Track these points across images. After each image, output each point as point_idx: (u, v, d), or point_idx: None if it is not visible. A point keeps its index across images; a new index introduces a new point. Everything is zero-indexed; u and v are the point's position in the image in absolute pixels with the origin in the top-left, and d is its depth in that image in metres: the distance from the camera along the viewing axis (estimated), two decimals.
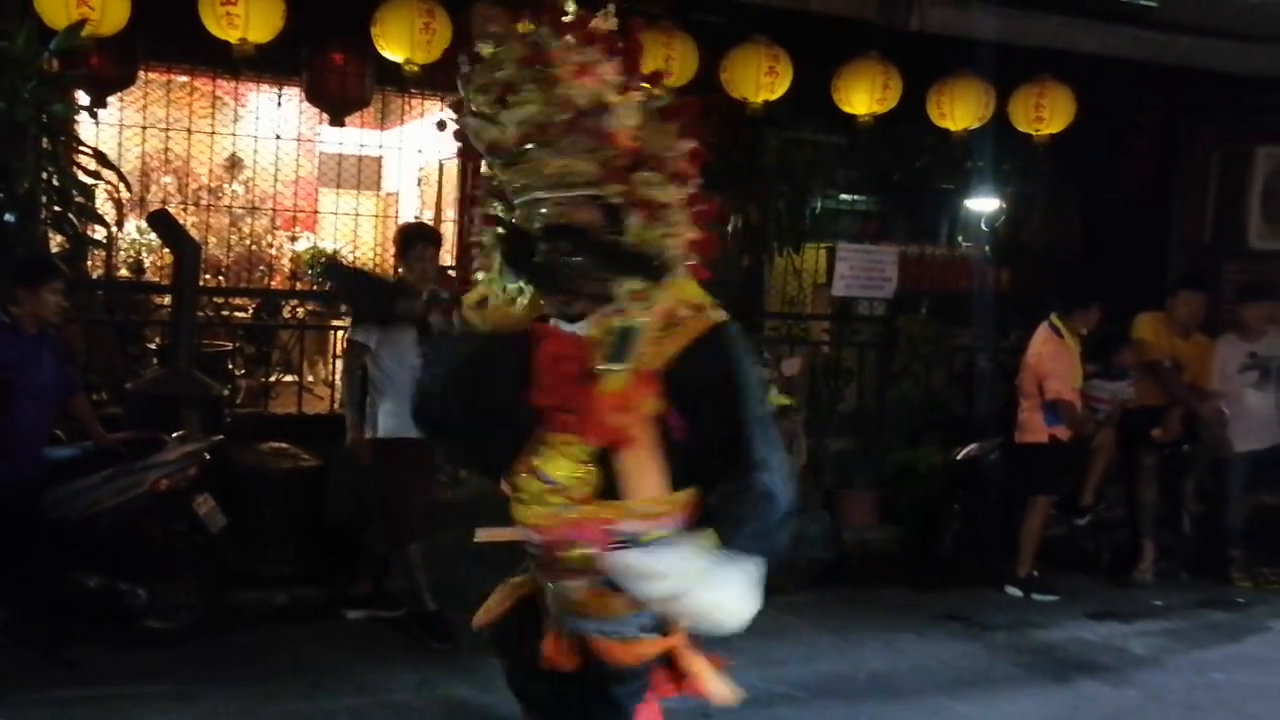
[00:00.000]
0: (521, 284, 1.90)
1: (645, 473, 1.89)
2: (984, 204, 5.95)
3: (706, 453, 1.83)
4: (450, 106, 2.00)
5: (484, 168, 1.97)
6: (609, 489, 1.88)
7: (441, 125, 2.07)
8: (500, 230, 1.92)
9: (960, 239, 6.11)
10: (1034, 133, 5.06)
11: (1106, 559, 5.03)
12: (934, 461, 4.98)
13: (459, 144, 1.97)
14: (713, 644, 3.85)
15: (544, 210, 1.82)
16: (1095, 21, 4.79)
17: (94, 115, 4.46)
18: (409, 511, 3.62)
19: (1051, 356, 4.57)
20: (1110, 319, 4.79)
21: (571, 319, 1.88)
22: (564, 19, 1.81)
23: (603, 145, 1.81)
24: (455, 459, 2.93)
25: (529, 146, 1.80)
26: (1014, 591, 4.66)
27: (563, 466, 1.89)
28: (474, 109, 1.85)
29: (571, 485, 1.89)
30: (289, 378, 5.36)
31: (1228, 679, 3.80)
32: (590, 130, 1.80)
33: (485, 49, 1.82)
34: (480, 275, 1.96)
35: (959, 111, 4.89)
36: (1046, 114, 4.98)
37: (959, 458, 4.85)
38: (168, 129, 4.96)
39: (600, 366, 1.83)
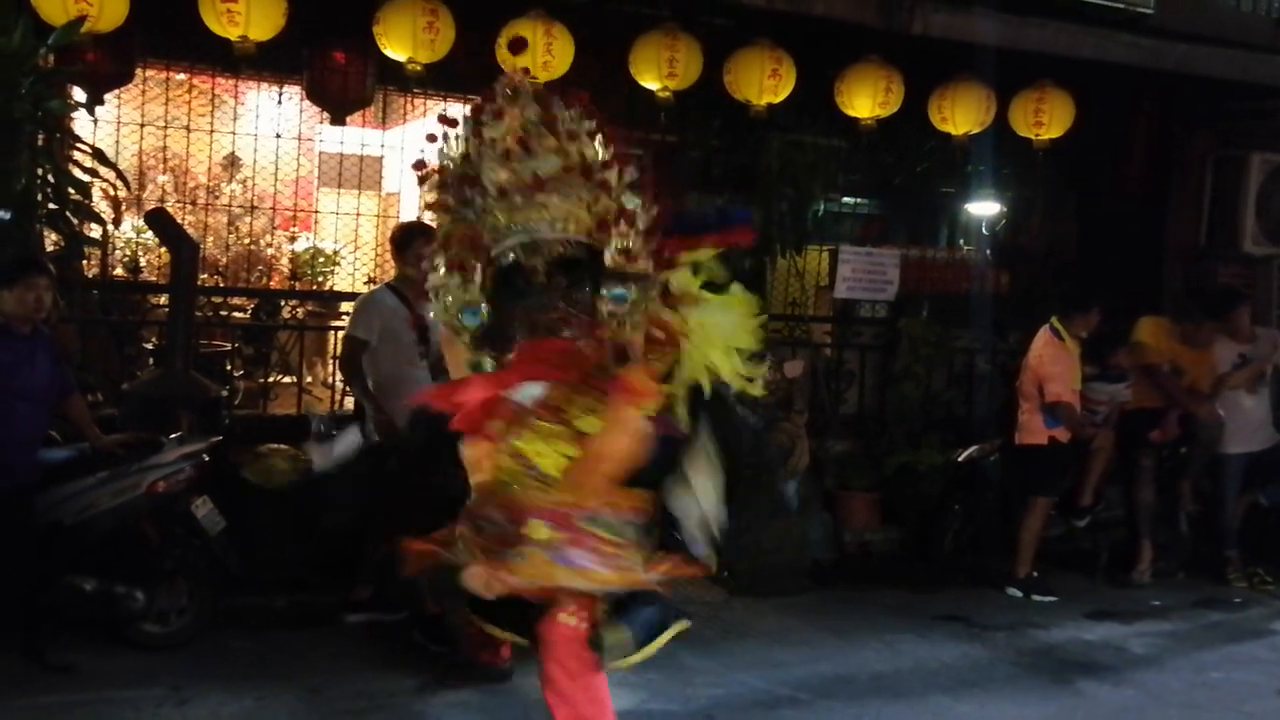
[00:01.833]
0: (481, 319, 2.29)
1: (618, 433, 2.23)
2: (984, 208, 5.98)
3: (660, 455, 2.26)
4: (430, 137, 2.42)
5: (443, 224, 2.38)
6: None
7: (432, 138, 2.28)
8: (466, 274, 2.30)
9: (961, 242, 6.15)
10: (1033, 137, 5.10)
11: (1105, 559, 5.06)
12: (934, 463, 5.00)
13: (420, 172, 2.38)
14: (715, 649, 3.84)
15: (550, 248, 2.23)
16: (1093, 28, 4.83)
17: (91, 112, 4.41)
18: (412, 512, 3.57)
19: (1052, 359, 4.61)
20: (1106, 321, 4.83)
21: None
22: (570, 93, 2.30)
23: (600, 198, 2.26)
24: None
25: (538, 193, 2.23)
26: (1014, 592, 4.69)
27: (547, 455, 2.20)
28: (480, 155, 2.27)
29: (550, 474, 2.22)
30: (288, 379, 5.32)
31: (1225, 678, 3.83)
32: (595, 183, 2.25)
33: (499, 104, 2.26)
34: (438, 309, 2.34)
35: (960, 116, 4.92)
36: (1046, 119, 5.02)
37: (959, 459, 4.89)
38: (166, 127, 4.91)
39: (615, 370, 2.21)
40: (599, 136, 2.29)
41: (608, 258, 2.29)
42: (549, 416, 2.21)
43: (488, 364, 2.33)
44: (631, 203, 2.31)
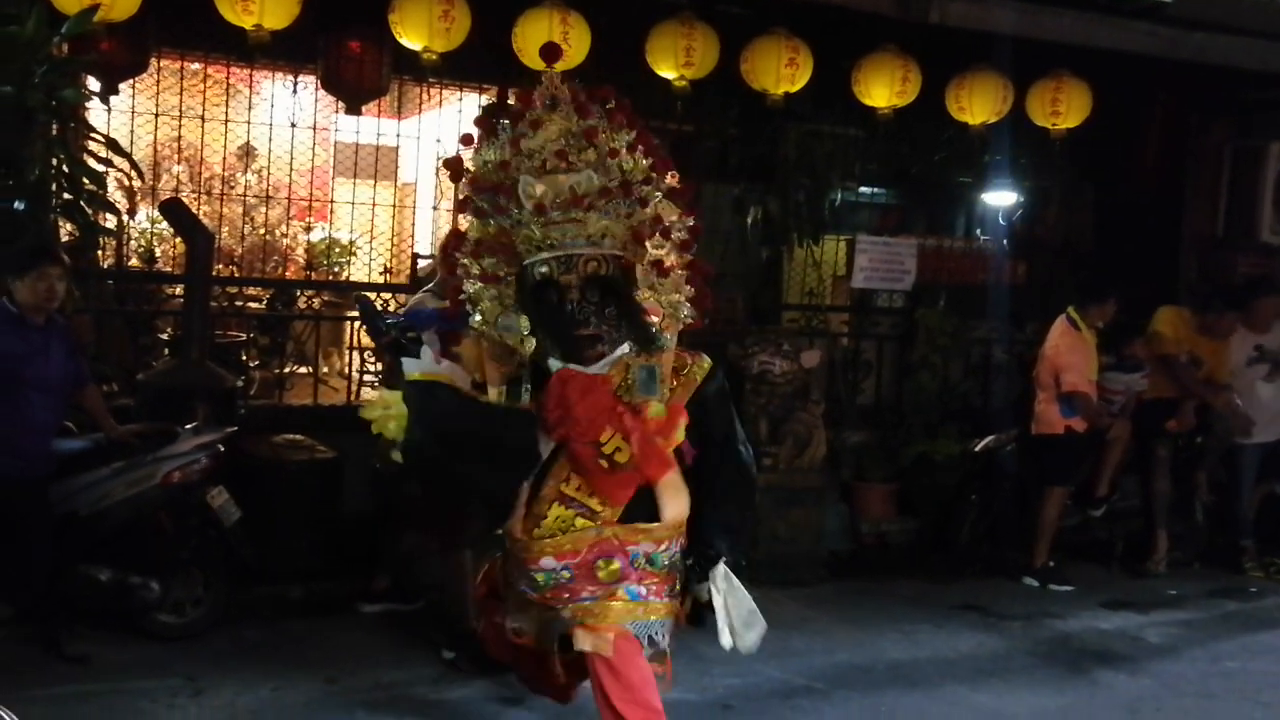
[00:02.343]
0: (522, 331, 2.21)
1: (676, 496, 2.29)
2: (1001, 197, 5.95)
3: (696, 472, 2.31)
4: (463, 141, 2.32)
5: (475, 227, 2.30)
6: (630, 513, 2.25)
7: (468, 140, 2.22)
8: (501, 285, 2.26)
9: (978, 232, 6.12)
10: (1050, 127, 5.05)
11: (1120, 549, 5.05)
12: (951, 453, 5.00)
13: (452, 173, 2.31)
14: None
15: (585, 264, 2.18)
16: (1110, 17, 4.78)
17: (105, 102, 4.39)
18: (461, 514, 3.48)
19: (1069, 349, 4.60)
20: (1123, 311, 4.81)
21: (585, 362, 2.21)
22: (610, 103, 2.24)
23: (636, 212, 2.22)
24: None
25: (573, 208, 2.17)
26: (1030, 582, 4.69)
27: (591, 491, 2.22)
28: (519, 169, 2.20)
29: (603, 511, 2.24)
30: (303, 369, 5.32)
31: (1241, 667, 3.83)
32: (634, 198, 2.20)
33: (537, 115, 2.21)
34: (475, 320, 2.28)
35: (977, 105, 4.88)
36: (1063, 109, 4.98)
37: (976, 449, 4.88)
38: (180, 116, 4.90)
39: (640, 399, 2.20)
40: (639, 148, 2.23)
41: (640, 271, 2.25)
42: (586, 453, 2.21)
43: (554, 364, 2.25)
44: (669, 214, 2.25)
